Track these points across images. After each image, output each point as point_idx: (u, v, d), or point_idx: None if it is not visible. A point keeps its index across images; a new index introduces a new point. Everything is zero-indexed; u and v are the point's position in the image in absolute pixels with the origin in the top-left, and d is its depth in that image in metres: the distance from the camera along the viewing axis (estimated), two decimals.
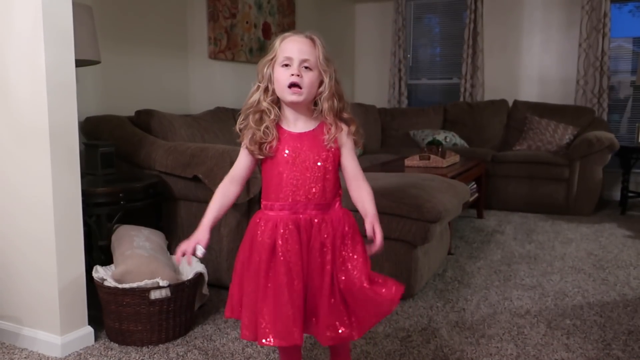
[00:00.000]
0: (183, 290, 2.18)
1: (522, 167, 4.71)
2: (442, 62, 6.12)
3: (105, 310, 2.17)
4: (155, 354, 2.08)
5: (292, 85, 1.42)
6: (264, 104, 1.46)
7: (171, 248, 2.71)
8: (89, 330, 2.17)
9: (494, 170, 4.79)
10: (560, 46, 5.42)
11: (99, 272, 2.20)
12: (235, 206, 2.65)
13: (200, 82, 4.06)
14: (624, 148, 4.69)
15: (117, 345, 2.15)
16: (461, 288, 2.80)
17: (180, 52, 3.86)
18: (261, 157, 1.49)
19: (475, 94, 5.67)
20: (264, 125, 1.45)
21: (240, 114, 1.51)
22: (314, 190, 1.46)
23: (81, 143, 2.48)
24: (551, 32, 5.46)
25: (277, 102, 1.49)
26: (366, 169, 3.98)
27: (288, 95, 1.44)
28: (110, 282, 2.13)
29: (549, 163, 4.63)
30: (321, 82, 1.46)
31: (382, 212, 2.51)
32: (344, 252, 1.48)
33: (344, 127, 1.49)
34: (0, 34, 2.04)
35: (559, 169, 4.60)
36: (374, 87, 6.24)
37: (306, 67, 1.43)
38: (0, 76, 2.07)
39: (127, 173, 2.84)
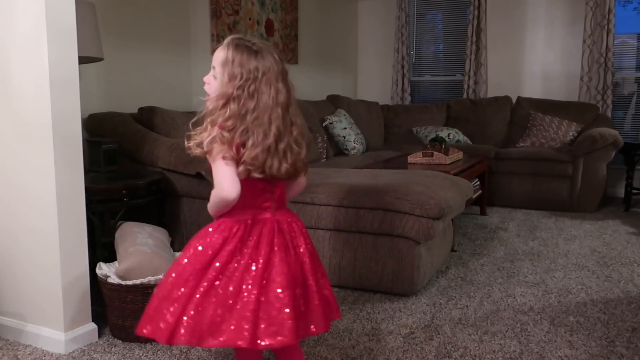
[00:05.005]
0: None
1: (526, 164, 4.70)
2: (445, 58, 6.10)
3: (109, 307, 2.17)
4: (158, 350, 2.08)
5: None
6: None
7: (174, 245, 2.71)
8: (93, 326, 2.18)
9: (497, 167, 4.78)
10: (564, 42, 5.40)
11: (103, 269, 2.20)
12: None
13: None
14: (628, 145, 4.67)
15: (120, 341, 2.16)
16: (464, 285, 2.79)
17: (183, 48, 3.86)
18: None
19: (479, 91, 5.65)
20: None
21: None
22: None
23: (84, 140, 2.48)
24: (555, 29, 5.44)
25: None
26: (369, 165, 4.00)
27: None
28: (113, 279, 2.13)
29: (552, 160, 4.62)
30: None
31: (385, 209, 2.54)
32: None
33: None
34: (3, 31, 2.04)
35: (562, 166, 4.59)
36: (377, 83, 6.23)
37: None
38: (3, 73, 2.07)
39: (130, 170, 2.84)
